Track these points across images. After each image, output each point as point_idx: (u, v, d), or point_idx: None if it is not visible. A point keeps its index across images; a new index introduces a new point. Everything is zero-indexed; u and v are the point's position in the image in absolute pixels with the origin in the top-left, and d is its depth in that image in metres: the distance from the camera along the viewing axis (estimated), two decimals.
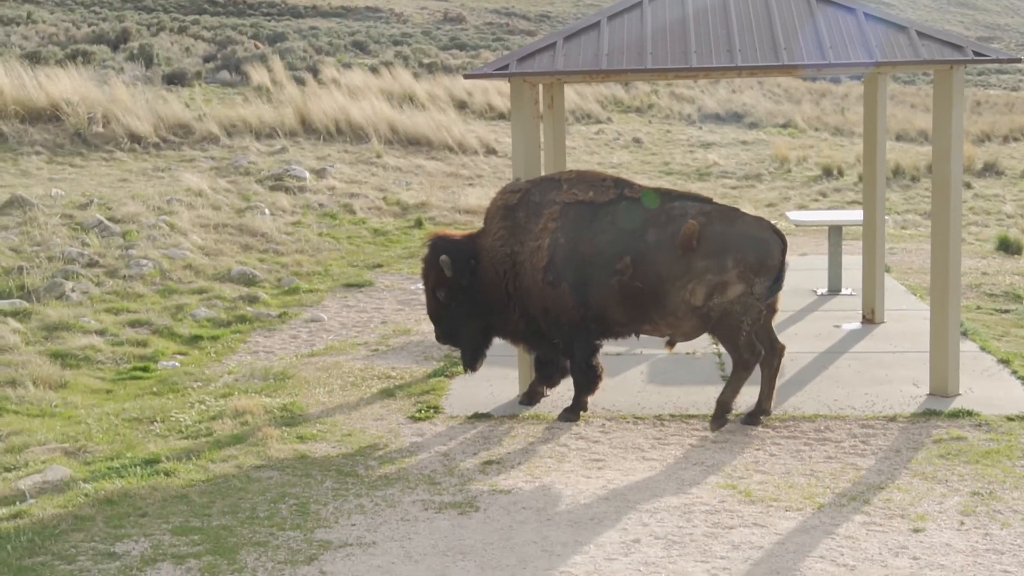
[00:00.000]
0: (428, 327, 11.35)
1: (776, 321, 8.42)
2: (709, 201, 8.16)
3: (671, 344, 8.42)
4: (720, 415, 7.95)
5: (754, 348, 7.88)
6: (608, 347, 9.51)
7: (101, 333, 11.27)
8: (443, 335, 8.57)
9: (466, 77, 9.02)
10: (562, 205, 8.16)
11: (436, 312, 8.54)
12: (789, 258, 14.57)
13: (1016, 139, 34.76)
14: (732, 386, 8.01)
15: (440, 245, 8.34)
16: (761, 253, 7.76)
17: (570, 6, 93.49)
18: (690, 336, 8.18)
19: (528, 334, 8.49)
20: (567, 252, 8.04)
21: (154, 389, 9.78)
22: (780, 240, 7.87)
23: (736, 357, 7.91)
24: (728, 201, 20.87)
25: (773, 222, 10.94)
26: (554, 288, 8.08)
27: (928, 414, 8.37)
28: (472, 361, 8.60)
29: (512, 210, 8.34)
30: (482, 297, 8.32)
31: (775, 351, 8.20)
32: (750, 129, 33.98)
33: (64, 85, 21.73)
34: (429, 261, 8.40)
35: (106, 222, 14.63)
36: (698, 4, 9.09)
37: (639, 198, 8.11)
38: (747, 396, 8.68)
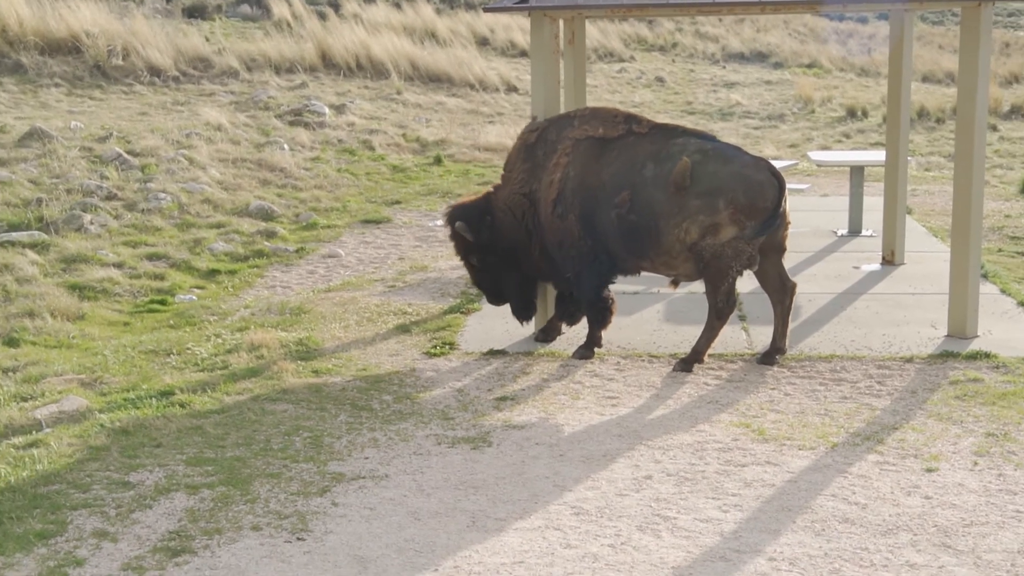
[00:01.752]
0: (445, 264, 11.63)
1: (795, 262, 8.33)
2: (713, 139, 8.07)
3: (675, 283, 8.43)
4: (690, 361, 7.91)
5: (732, 298, 7.84)
6: (625, 285, 9.50)
7: (119, 266, 11.29)
8: (492, 296, 8.79)
9: (486, 11, 8.93)
10: (574, 141, 8.20)
11: (479, 279, 8.76)
12: (809, 199, 14.83)
13: None
14: (706, 335, 7.98)
15: (454, 215, 8.53)
16: (753, 194, 7.63)
17: None
18: (691, 277, 8.12)
19: (549, 270, 8.55)
20: (575, 185, 8.07)
21: (171, 322, 9.80)
22: (777, 182, 7.72)
23: (712, 303, 7.85)
24: (750, 141, 20.67)
25: (786, 164, 11.09)
26: (563, 220, 8.11)
27: (945, 355, 8.31)
28: (523, 312, 8.72)
29: (532, 149, 8.43)
30: (507, 244, 8.44)
31: (786, 289, 8.15)
32: (775, 69, 33.46)
33: (84, 16, 21.62)
34: (451, 235, 8.61)
35: (125, 155, 14.62)
36: None
37: (645, 133, 8.08)
38: (765, 337, 8.63)
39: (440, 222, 13.16)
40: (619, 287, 8.72)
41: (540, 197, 8.29)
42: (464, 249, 8.57)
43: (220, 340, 8.91)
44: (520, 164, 8.47)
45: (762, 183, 7.70)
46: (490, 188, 8.75)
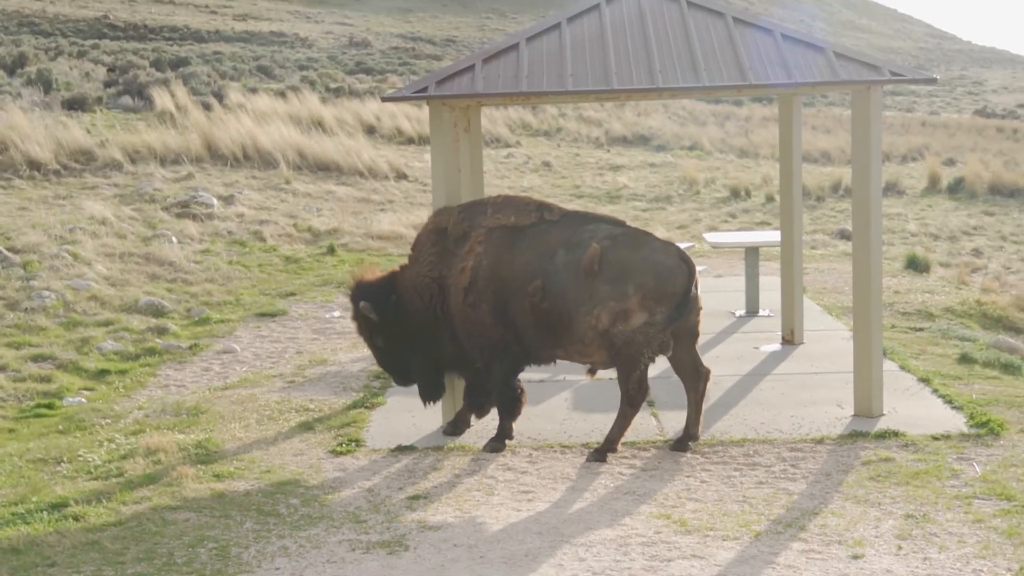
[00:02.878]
0: (345, 356, 11.41)
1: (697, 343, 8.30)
2: (622, 224, 8.07)
3: (592, 372, 8.33)
4: (603, 451, 7.81)
5: (643, 386, 7.78)
6: (531, 374, 9.36)
7: (2, 369, 10.87)
8: (398, 376, 8.64)
9: (384, 100, 8.85)
10: (487, 229, 8.17)
11: (383, 358, 8.60)
12: (705, 280, 14.72)
13: (914, 159, 35.54)
14: (619, 423, 7.89)
15: (357, 294, 8.40)
16: (663, 280, 7.60)
17: (475, 31, 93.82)
18: (606, 364, 8.03)
19: (457, 359, 8.44)
20: (488, 274, 8.02)
21: (60, 427, 9.40)
22: (687, 267, 7.72)
23: (624, 391, 7.78)
24: (640, 223, 20.55)
25: (685, 246, 11.25)
26: (474, 309, 8.04)
27: (855, 435, 8.32)
28: (428, 394, 8.58)
29: (443, 234, 8.38)
30: (413, 327, 8.33)
31: (700, 375, 8.10)
32: (657, 152, 34.22)
33: None
34: (354, 315, 8.47)
35: (5, 252, 14.14)
36: (616, 26, 9.00)
37: (557, 220, 8.08)
38: (675, 422, 8.56)
39: (336, 313, 13.25)
40: (526, 375, 8.54)
41: (451, 284, 8.23)
42: (368, 329, 8.41)
43: (114, 445, 8.55)
44: (429, 247, 8.41)
45: (671, 268, 7.68)
46: (396, 268, 8.66)
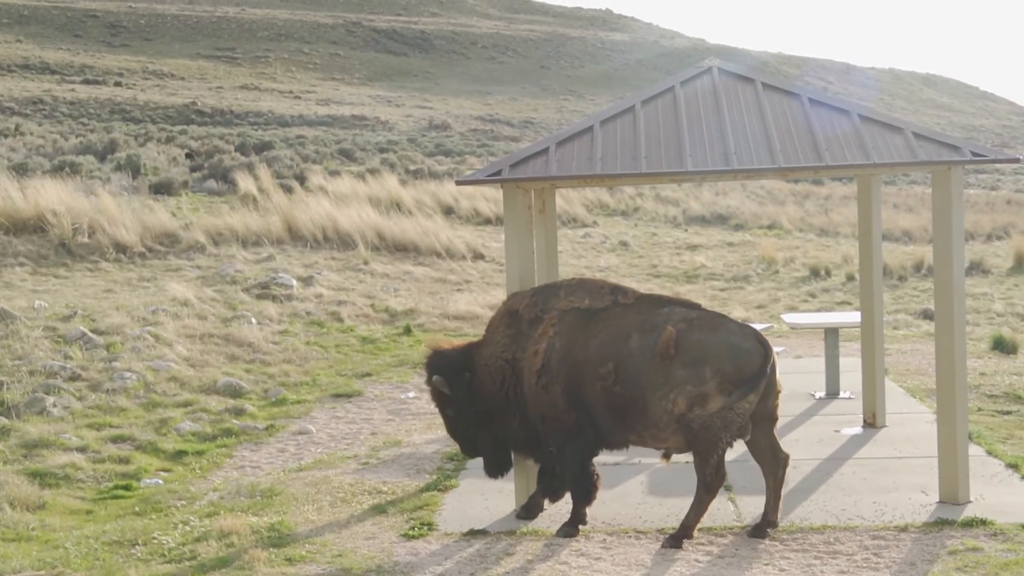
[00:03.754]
0: (419, 438, 11.25)
1: (776, 426, 8.11)
2: (697, 307, 8.00)
3: (667, 456, 8.19)
4: (679, 537, 7.65)
5: (721, 471, 7.64)
6: (605, 457, 9.13)
7: (82, 450, 10.84)
8: (465, 449, 8.67)
9: (458, 183, 8.89)
10: (560, 312, 8.12)
11: (452, 428, 8.60)
12: (784, 361, 14.40)
13: (999, 237, 34.81)
14: (695, 509, 7.73)
15: (433, 365, 8.41)
16: (740, 363, 7.48)
17: (553, 112, 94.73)
18: (681, 449, 7.91)
19: (529, 442, 8.36)
20: (561, 356, 7.95)
21: (136, 509, 9.35)
22: (764, 349, 7.60)
23: (701, 476, 7.64)
24: (717, 303, 20.64)
25: (762, 328, 10.97)
26: (547, 391, 7.96)
27: (940, 523, 8.03)
28: (493, 470, 8.55)
29: (517, 316, 8.35)
30: (484, 405, 8.32)
31: (779, 460, 7.93)
32: (735, 231, 33.94)
33: (50, 195, 21.51)
34: (429, 381, 8.52)
35: (89, 334, 14.26)
36: (690, 107, 8.98)
37: (631, 304, 8.03)
38: (753, 507, 8.32)
39: (412, 393, 13.23)
40: (600, 458, 8.41)
41: (524, 366, 8.16)
42: (440, 401, 8.49)
43: (188, 528, 8.49)
44: (504, 329, 8.36)
45: (749, 351, 7.57)
46: (473, 339, 8.66)
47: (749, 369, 7.51)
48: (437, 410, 8.56)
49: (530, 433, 8.24)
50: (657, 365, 7.57)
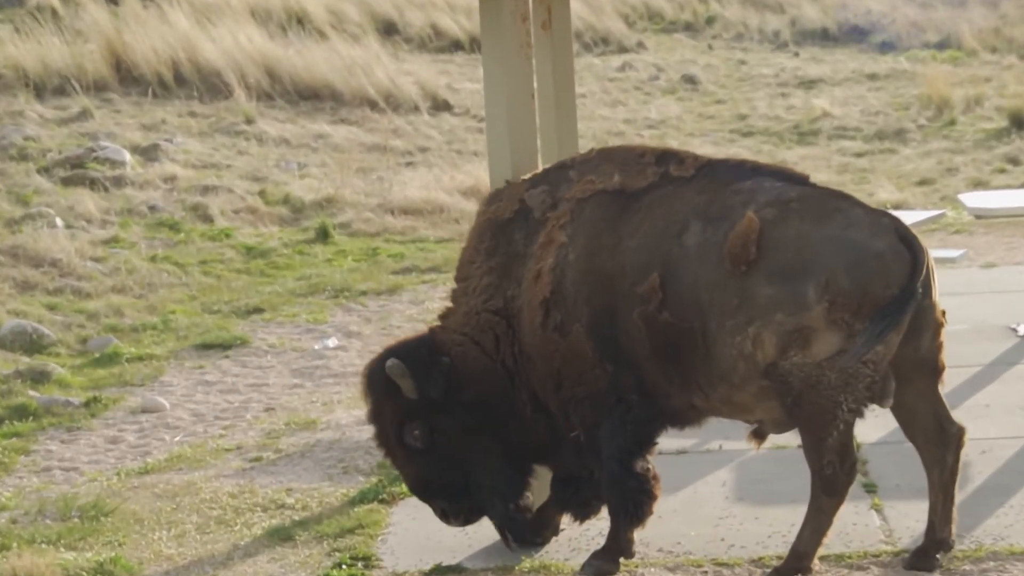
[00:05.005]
0: (346, 416, 9.26)
1: (950, 385, 6.41)
2: (800, 181, 6.31)
3: (758, 436, 6.37)
4: (789, 571, 6.12)
5: (848, 459, 6.00)
6: (665, 440, 7.01)
7: None
8: (452, 507, 6.57)
9: None
10: (575, 203, 6.45)
11: (421, 471, 6.56)
12: (964, 274, 12.13)
13: None
14: (811, 524, 6.09)
15: (379, 361, 6.55)
16: (868, 275, 5.87)
17: None
18: (781, 423, 6.19)
19: (547, 432, 6.55)
20: (580, 274, 6.34)
21: None
22: (911, 252, 5.88)
23: (816, 469, 5.98)
24: (848, 179, 16.50)
25: (920, 217, 9.32)
26: (562, 336, 6.29)
27: None
28: (519, 527, 6.50)
29: (503, 231, 6.68)
30: (476, 398, 6.49)
31: (948, 439, 6.08)
32: (882, 54, 25.64)
33: None
34: (372, 384, 6.53)
35: None
36: None
37: (691, 177, 6.32)
38: (912, 518, 6.32)
39: (332, 341, 11.10)
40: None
41: (523, 306, 6.47)
42: (397, 415, 6.43)
43: None
44: (483, 260, 6.65)
45: (883, 254, 5.88)
46: (431, 326, 6.89)
47: (883, 285, 5.86)
48: (382, 441, 6.62)
49: (547, 418, 6.50)
50: (727, 276, 5.98)
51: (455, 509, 6.50)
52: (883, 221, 5.92)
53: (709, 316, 5.92)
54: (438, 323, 6.68)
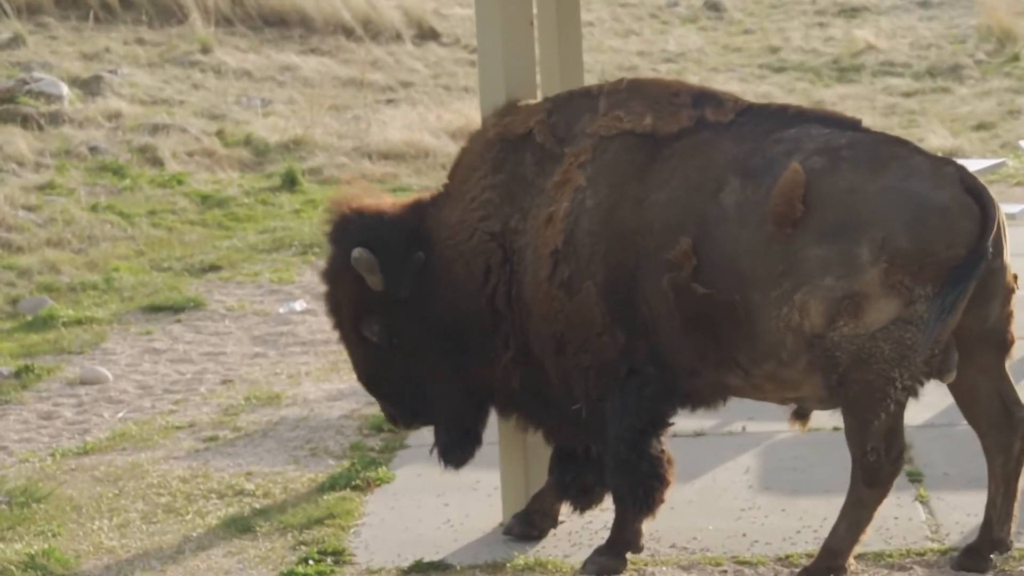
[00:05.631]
0: (315, 390, 8.92)
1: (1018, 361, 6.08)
2: (852, 126, 5.80)
3: (800, 417, 5.84)
4: (821, 571, 5.74)
5: (895, 444, 5.57)
6: (681, 421, 6.51)
7: None
8: (397, 409, 6.18)
9: None
10: (597, 140, 5.92)
11: (372, 366, 6.10)
12: (1016, 234, 11.78)
13: None
14: (850, 517, 5.68)
15: (350, 229, 5.95)
16: (930, 232, 5.39)
17: None
18: (824, 401, 5.66)
19: (532, 394, 6.07)
20: (597, 226, 5.87)
21: None
22: (979, 206, 5.42)
23: (858, 455, 5.56)
24: (898, 121, 15.92)
25: (981, 166, 8.83)
26: (570, 294, 5.89)
27: None
28: (455, 447, 6.18)
29: (512, 150, 6.07)
30: (443, 319, 6.06)
31: (1015, 424, 5.57)
32: None
33: None
34: (334, 265, 6.02)
35: None
36: None
37: (729, 123, 5.83)
38: (964, 513, 5.98)
39: (299, 304, 10.68)
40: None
41: (526, 245, 5.97)
42: (356, 304, 6.01)
43: None
44: (485, 173, 6.09)
45: (947, 209, 5.43)
46: (423, 195, 6.35)
47: (947, 245, 5.41)
48: (340, 334, 6.20)
49: (535, 377, 6.02)
50: (771, 239, 5.51)
51: (403, 415, 6.18)
52: (947, 170, 5.39)
53: (751, 286, 5.50)
54: (428, 202, 6.14)
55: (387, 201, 6.24)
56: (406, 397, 6.13)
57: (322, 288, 6.19)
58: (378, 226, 5.89)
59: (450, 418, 6.04)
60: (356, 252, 5.70)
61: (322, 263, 6.23)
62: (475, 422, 6.11)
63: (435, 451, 6.05)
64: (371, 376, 6.11)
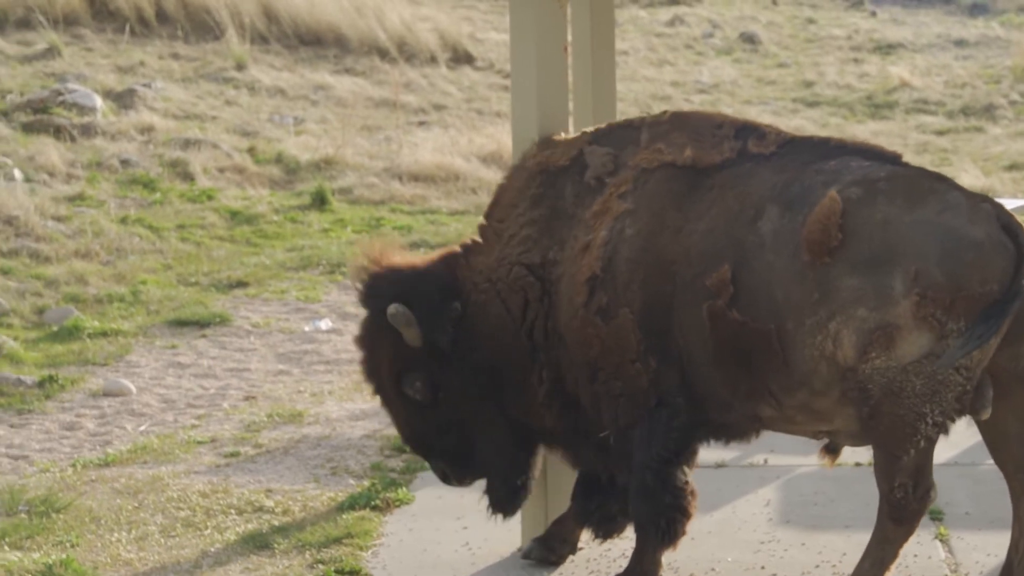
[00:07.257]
0: (337, 409, 8.90)
1: None
2: (890, 159, 5.84)
3: (831, 451, 5.90)
4: None
5: (923, 480, 5.56)
6: (704, 453, 6.54)
7: None
8: (451, 464, 6.12)
9: None
10: (638, 172, 6.00)
11: (418, 424, 6.09)
12: None
13: None
14: (874, 554, 5.66)
15: (382, 287, 5.95)
16: (965, 267, 5.42)
17: None
18: (855, 435, 5.70)
19: (564, 423, 6.07)
20: (636, 254, 5.95)
21: None
22: (1014, 244, 5.45)
23: (885, 491, 5.52)
24: (931, 158, 15.78)
25: (1017, 204, 8.61)
26: (606, 321, 5.93)
27: None
28: (508, 499, 6.06)
29: (552, 183, 6.16)
30: (486, 360, 5.99)
31: None
32: (972, 17, 24.18)
33: None
34: (370, 326, 6.01)
35: None
36: None
37: (770, 155, 5.88)
38: (984, 553, 6.02)
39: (325, 323, 10.92)
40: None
41: (563, 275, 6.01)
42: (395, 364, 5.94)
43: None
44: (527, 208, 6.12)
45: (981, 245, 5.45)
46: (454, 247, 6.30)
47: (981, 280, 5.45)
48: (377, 389, 6.12)
49: (568, 407, 6.01)
50: (807, 267, 5.59)
51: (456, 471, 6.07)
52: (983, 207, 5.38)
53: (786, 314, 5.52)
54: (459, 252, 6.14)
55: (416, 256, 6.29)
56: (457, 452, 6.13)
57: (359, 354, 6.17)
58: (410, 280, 5.92)
59: (504, 470, 6.05)
60: (392, 308, 5.70)
61: (356, 329, 6.19)
62: (528, 473, 6.12)
63: (486, 501, 6.03)
64: (419, 436, 6.11)
